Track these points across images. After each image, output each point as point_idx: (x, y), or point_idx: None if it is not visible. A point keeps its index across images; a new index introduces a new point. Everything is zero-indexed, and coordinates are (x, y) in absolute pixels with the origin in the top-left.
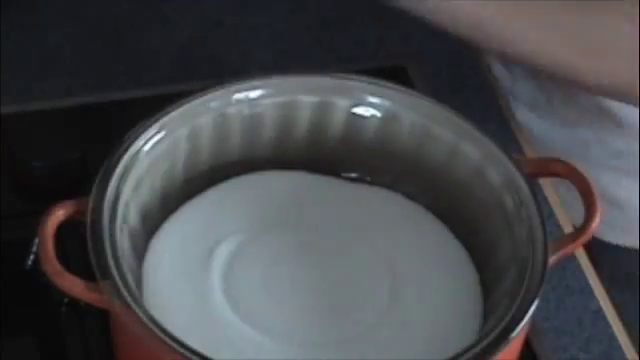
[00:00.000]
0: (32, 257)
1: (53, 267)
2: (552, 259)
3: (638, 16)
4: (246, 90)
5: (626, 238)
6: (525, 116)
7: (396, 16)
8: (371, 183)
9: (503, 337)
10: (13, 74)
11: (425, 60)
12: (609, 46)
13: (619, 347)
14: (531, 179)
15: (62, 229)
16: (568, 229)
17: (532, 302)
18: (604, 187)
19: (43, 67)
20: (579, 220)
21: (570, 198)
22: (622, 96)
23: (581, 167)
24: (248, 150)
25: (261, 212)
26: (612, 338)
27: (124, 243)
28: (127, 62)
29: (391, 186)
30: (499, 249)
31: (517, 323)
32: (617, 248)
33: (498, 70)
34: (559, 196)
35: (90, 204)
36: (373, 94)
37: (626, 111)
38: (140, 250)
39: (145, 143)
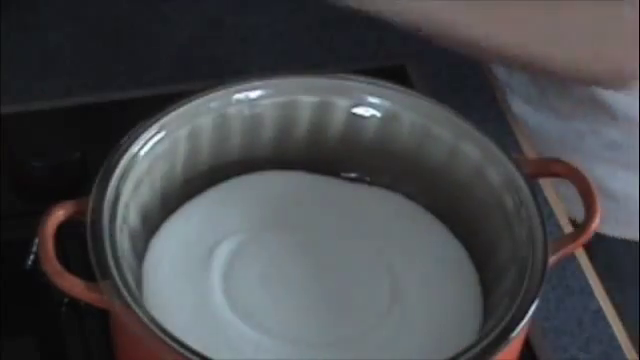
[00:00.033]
0: (32, 257)
1: (53, 267)
2: (552, 259)
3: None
4: (246, 90)
5: (621, 230)
6: (521, 108)
7: None
8: (371, 183)
9: (503, 337)
10: (13, 74)
11: (425, 60)
12: (609, 32)
13: (619, 347)
14: (531, 179)
15: (62, 229)
16: (568, 229)
17: (532, 302)
18: (599, 179)
19: (43, 67)
20: (577, 214)
21: (569, 194)
22: (611, 83)
23: (576, 159)
24: (248, 150)
25: (261, 212)
26: (612, 338)
27: (124, 243)
28: (127, 62)
29: (391, 186)
30: (499, 249)
31: (517, 323)
32: (612, 240)
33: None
34: (559, 196)
35: (90, 204)
36: (373, 94)
37: (620, 103)
38: (140, 250)
39: (145, 143)
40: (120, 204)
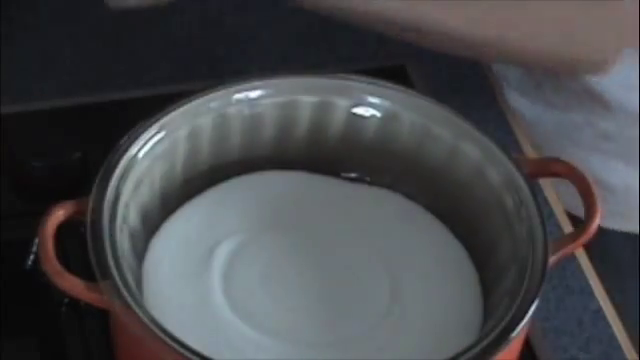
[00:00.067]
0: (32, 257)
1: (53, 267)
2: (552, 259)
3: None
4: (246, 90)
5: (616, 221)
6: (517, 102)
7: None
8: (371, 183)
9: (503, 337)
10: (13, 74)
11: (425, 60)
12: (578, 21)
13: (619, 347)
14: (531, 179)
15: (62, 229)
16: (568, 229)
17: (532, 302)
18: (594, 170)
19: (43, 67)
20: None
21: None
22: (584, 71)
23: (572, 150)
24: (248, 150)
25: (261, 212)
26: (612, 338)
27: (124, 243)
28: (127, 62)
29: (391, 186)
30: (499, 249)
31: (517, 323)
32: (606, 231)
33: None
34: (559, 196)
35: (90, 204)
36: (373, 94)
37: (615, 94)
38: (140, 250)
39: (145, 143)
40: (120, 204)
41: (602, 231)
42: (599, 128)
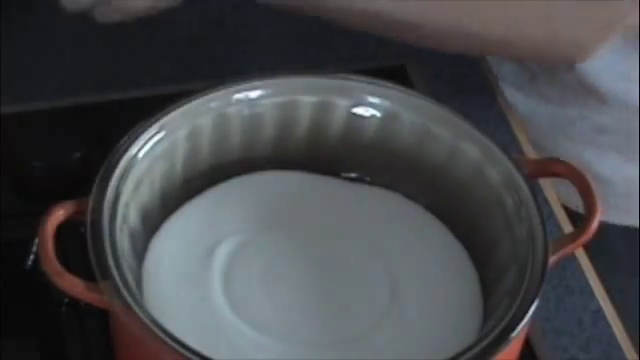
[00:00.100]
0: (32, 257)
1: (53, 267)
2: (552, 259)
3: None
4: (246, 90)
5: (611, 214)
6: (512, 96)
7: None
8: (371, 183)
9: (503, 337)
10: (13, 74)
11: (425, 60)
12: (559, 13)
13: (619, 347)
14: (531, 179)
15: (62, 229)
16: (568, 229)
17: (532, 302)
18: (589, 163)
19: (43, 67)
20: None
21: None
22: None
23: (566, 144)
24: (248, 150)
25: (261, 212)
26: (612, 338)
27: (124, 243)
28: (127, 62)
29: (391, 186)
30: (499, 248)
31: (517, 323)
32: (601, 224)
33: None
34: (559, 196)
35: (90, 204)
36: (373, 94)
37: (610, 87)
38: (140, 250)
39: (145, 143)
40: (120, 204)
41: (601, 227)
42: (593, 121)
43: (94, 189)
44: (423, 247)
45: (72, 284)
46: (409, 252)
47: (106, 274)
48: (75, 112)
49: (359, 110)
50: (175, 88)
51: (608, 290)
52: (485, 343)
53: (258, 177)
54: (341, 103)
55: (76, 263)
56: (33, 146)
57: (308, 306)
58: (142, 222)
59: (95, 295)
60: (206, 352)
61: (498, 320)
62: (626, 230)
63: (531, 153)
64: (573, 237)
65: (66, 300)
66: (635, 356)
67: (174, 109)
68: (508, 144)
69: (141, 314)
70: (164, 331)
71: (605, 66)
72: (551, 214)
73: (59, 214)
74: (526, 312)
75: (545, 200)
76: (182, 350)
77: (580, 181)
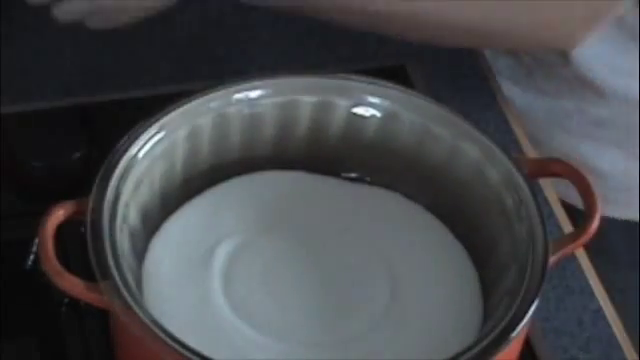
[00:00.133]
0: (32, 257)
1: (53, 267)
2: (552, 259)
3: None
4: (246, 90)
5: (608, 208)
6: (509, 91)
7: None
8: (371, 183)
9: (503, 337)
10: (13, 74)
11: (425, 60)
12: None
13: (619, 347)
14: (531, 179)
15: (62, 229)
16: (568, 229)
17: (532, 302)
18: (586, 157)
19: (43, 67)
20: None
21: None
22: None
23: (564, 137)
24: (248, 150)
25: (261, 212)
26: (612, 338)
27: (124, 243)
28: (127, 62)
29: (391, 186)
30: (499, 248)
31: (517, 323)
32: (601, 220)
33: None
34: (559, 196)
35: (90, 204)
36: (373, 94)
37: (607, 80)
38: (140, 250)
39: (145, 143)
40: (120, 204)
41: (601, 226)
42: (590, 115)
43: (94, 189)
44: (423, 247)
45: (72, 284)
46: (409, 252)
47: (106, 274)
48: (75, 112)
49: (359, 110)
50: (175, 88)
51: (608, 289)
52: (485, 343)
53: (258, 177)
54: (341, 103)
55: (76, 263)
56: (33, 146)
57: (308, 306)
58: (142, 222)
59: (95, 295)
60: (206, 352)
61: (498, 320)
62: (626, 228)
63: (531, 152)
64: (573, 237)
65: (66, 300)
66: (635, 356)
67: (174, 109)
68: (508, 144)
69: (141, 314)
70: (164, 331)
71: (602, 60)
72: (551, 214)
73: (59, 214)
74: (526, 312)
75: (545, 200)
76: (182, 350)
77: (580, 181)
